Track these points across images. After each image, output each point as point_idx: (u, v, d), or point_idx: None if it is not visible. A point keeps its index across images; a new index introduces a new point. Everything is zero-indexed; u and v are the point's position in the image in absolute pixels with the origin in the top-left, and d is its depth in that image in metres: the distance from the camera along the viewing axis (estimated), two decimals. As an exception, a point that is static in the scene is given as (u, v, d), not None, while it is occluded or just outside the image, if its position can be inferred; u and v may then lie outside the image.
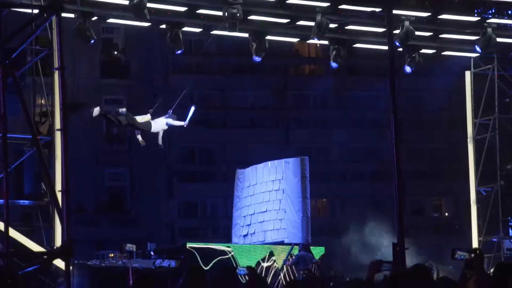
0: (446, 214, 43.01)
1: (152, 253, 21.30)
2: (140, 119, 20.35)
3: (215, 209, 35.40)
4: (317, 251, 23.17)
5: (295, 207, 22.51)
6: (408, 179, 29.50)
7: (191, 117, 20.43)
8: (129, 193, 38.18)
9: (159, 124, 20.75)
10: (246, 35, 20.12)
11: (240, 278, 16.09)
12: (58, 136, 15.40)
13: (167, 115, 20.70)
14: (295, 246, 22.22)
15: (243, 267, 18.18)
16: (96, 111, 19.40)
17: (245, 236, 23.98)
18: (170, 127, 20.77)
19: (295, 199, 22.61)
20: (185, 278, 9.15)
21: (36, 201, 17.95)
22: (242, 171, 24.24)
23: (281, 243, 22.69)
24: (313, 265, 21.28)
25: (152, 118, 20.33)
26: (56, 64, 14.75)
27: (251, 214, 23.96)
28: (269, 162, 23.73)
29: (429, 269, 8.75)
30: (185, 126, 20.54)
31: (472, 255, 7.17)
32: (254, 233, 23.72)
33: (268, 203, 23.38)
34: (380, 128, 31.78)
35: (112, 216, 36.54)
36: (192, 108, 20.55)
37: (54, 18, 12.54)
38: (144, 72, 37.92)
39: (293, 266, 21.59)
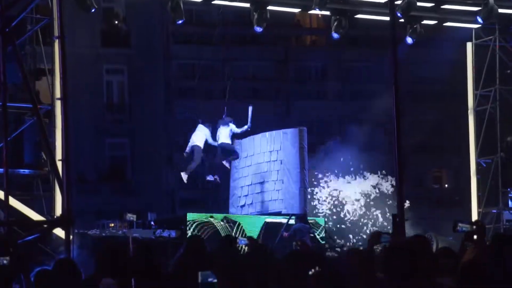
0: (446, 185, 43.07)
1: (152, 223, 21.33)
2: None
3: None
4: (316, 223, 23.21)
5: (293, 178, 22.45)
6: (408, 151, 29.51)
7: (251, 117, 21.55)
8: (130, 163, 38.20)
9: (224, 135, 21.91)
10: (247, 5, 20.04)
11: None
12: (58, 105, 15.36)
13: (224, 123, 21.58)
14: (293, 217, 22.23)
15: (244, 237, 18.23)
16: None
17: (242, 206, 23.98)
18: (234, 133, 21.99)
19: (293, 170, 22.54)
20: (185, 247, 9.19)
21: (36, 170, 17.97)
22: (240, 142, 24.20)
23: (279, 213, 22.67)
24: (309, 236, 21.22)
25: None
26: (56, 33, 14.68)
27: (248, 185, 23.91)
28: (267, 133, 23.63)
29: (429, 240, 8.77)
30: (248, 129, 21.67)
31: (474, 227, 7.18)
32: (251, 203, 23.72)
33: (265, 174, 23.32)
34: (380, 100, 31.75)
35: (113, 186, 36.58)
36: (250, 108, 21.38)
37: (54, -13, 12.47)
38: (145, 42, 37.80)
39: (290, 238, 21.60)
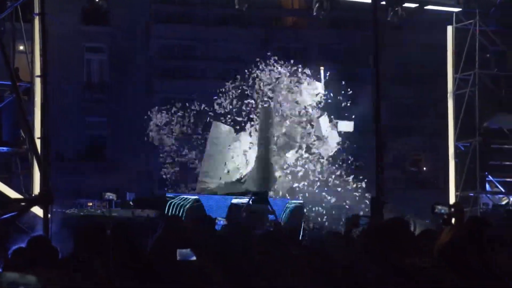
0: (425, 168, 43.26)
1: (131, 203, 21.27)
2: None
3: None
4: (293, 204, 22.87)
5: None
6: (388, 134, 29.59)
7: None
8: (110, 142, 38.08)
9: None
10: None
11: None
12: (38, 82, 15.27)
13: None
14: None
15: (222, 218, 18.21)
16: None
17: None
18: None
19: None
20: (163, 227, 9.20)
21: (15, 148, 17.85)
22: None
23: (243, 193, 22.32)
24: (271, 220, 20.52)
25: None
26: (36, 10, 14.56)
27: None
28: None
29: (407, 222, 8.81)
30: None
31: (452, 209, 7.22)
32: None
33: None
34: (361, 83, 31.76)
35: (92, 165, 36.46)
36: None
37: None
38: (126, 21, 37.60)
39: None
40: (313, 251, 7.26)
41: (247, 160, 24.07)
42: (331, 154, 25.07)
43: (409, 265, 6.70)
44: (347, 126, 24.76)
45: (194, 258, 7.75)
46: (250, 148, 24.07)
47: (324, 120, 24.66)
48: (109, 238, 8.27)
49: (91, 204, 20.92)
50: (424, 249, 7.32)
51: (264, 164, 22.71)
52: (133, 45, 37.74)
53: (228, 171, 23.87)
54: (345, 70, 39.15)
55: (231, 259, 7.19)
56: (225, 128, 24.46)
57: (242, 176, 23.79)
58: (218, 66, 39.36)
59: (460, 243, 6.54)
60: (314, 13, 20.54)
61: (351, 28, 39.05)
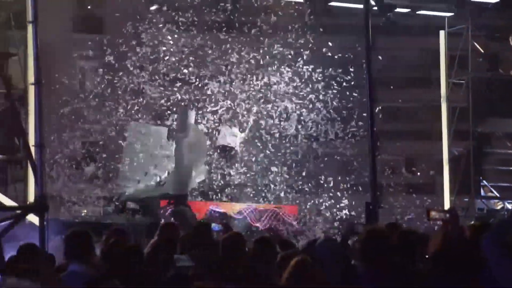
0: (419, 173, 43.25)
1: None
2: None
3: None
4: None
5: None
6: (381, 138, 29.60)
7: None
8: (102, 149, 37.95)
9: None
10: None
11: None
12: (32, 89, 15.27)
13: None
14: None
15: (218, 223, 18.14)
16: None
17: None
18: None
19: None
20: (159, 234, 9.20)
21: (9, 155, 17.86)
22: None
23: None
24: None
25: None
26: (30, 17, 14.58)
27: None
28: None
29: (401, 227, 8.85)
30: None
31: (447, 215, 7.22)
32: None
33: None
34: (352, 88, 31.79)
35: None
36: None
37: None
38: (117, 27, 37.53)
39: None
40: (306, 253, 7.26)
41: (166, 162, 22.51)
42: None
43: (404, 269, 6.73)
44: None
45: (191, 264, 7.76)
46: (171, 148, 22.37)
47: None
48: (108, 243, 8.28)
49: (85, 211, 20.91)
50: (418, 253, 7.36)
51: (183, 166, 21.20)
52: (124, 50, 37.73)
53: (146, 173, 22.23)
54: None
55: (228, 267, 7.19)
56: (144, 127, 23.42)
57: (161, 179, 22.08)
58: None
59: (457, 249, 6.55)
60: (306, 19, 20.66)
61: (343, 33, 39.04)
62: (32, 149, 11.06)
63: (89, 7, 37.59)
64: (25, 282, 5.91)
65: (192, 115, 21.93)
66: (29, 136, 14.43)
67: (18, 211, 11.27)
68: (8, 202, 16.13)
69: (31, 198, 16.15)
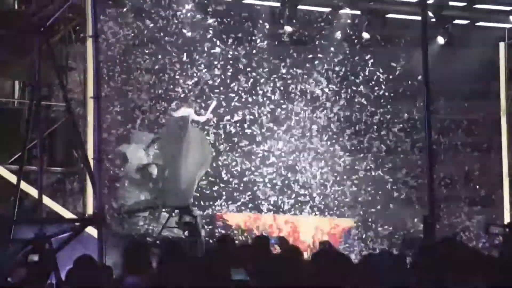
0: (478, 187, 42.71)
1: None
2: None
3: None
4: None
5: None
6: (440, 151, 29.33)
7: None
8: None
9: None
10: (277, 4, 20.09)
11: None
12: (90, 103, 15.50)
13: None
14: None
15: (275, 236, 18.13)
16: None
17: None
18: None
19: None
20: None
21: (68, 168, 18.10)
22: None
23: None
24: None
25: None
26: (90, 32, 14.82)
27: None
28: None
29: (458, 241, 8.74)
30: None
31: (507, 229, 7.14)
32: None
33: None
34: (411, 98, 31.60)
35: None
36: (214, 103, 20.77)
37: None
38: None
39: None
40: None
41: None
42: None
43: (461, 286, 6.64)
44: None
45: (247, 278, 7.75)
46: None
47: None
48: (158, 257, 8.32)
49: (142, 223, 20.97)
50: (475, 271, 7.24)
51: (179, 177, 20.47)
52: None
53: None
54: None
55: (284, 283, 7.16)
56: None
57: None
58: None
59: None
60: (363, 32, 20.62)
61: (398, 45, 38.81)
62: (91, 163, 11.21)
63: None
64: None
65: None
66: (87, 149, 14.65)
67: (77, 224, 11.41)
68: (68, 214, 16.36)
69: (89, 210, 16.38)
